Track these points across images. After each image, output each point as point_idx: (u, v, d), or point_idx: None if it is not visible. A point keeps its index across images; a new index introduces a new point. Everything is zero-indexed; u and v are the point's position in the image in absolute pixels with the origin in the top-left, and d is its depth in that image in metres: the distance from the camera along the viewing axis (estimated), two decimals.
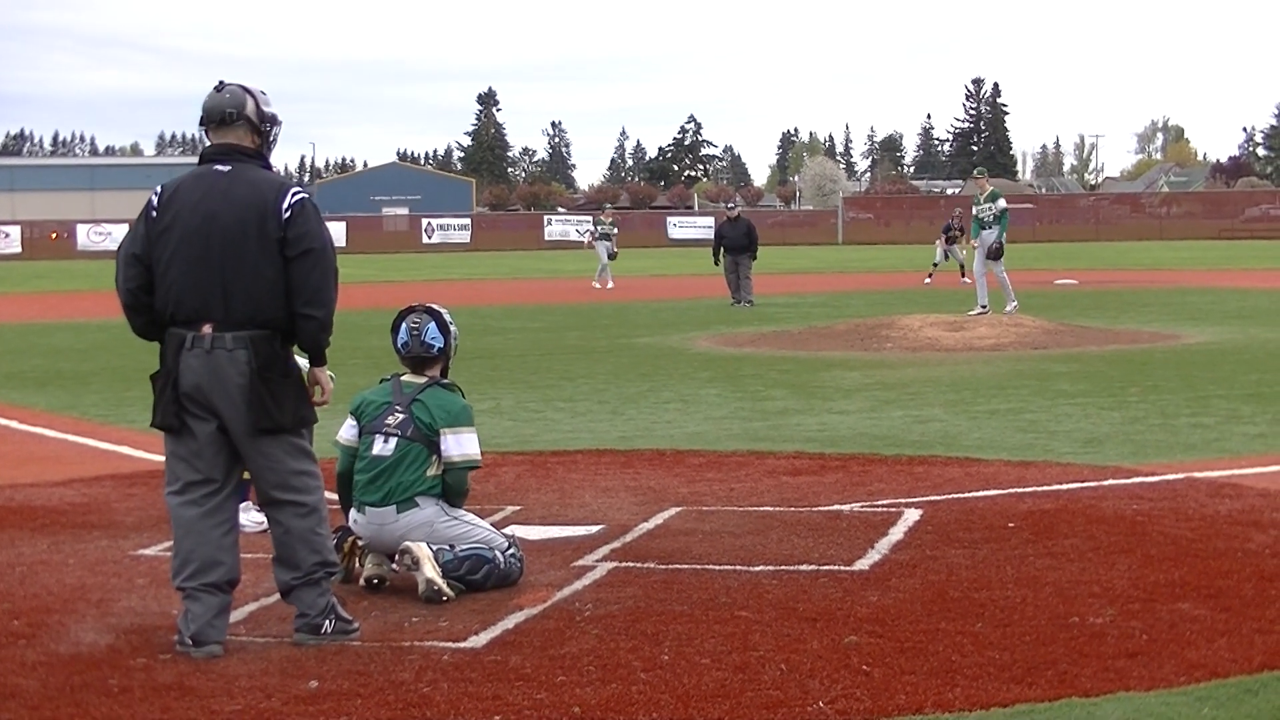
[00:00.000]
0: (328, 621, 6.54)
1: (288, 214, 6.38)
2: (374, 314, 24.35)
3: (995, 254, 24.79)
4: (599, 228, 41.61)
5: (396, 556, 7.34)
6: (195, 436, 6.45)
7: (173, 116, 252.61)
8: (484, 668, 6.11)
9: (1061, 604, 6.89)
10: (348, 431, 7.79)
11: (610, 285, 39.07)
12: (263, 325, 6.38)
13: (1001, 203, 25.09)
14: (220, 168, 6.50)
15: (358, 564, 7.60)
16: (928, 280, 38.46)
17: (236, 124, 6.55)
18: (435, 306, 7.92)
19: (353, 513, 7.65)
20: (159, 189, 6.58)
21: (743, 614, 6.82)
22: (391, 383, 7.80)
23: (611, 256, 40.38)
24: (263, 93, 6.64)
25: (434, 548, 7.29)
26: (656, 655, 6.22)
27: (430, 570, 7.17)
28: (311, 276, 6.39)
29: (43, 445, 13.18)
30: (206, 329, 6.37)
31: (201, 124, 6.60)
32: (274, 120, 6.64)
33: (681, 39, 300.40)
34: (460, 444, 7.57)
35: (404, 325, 7.82)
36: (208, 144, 6.61)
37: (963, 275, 37.27)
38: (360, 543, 7.59)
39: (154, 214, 6.49)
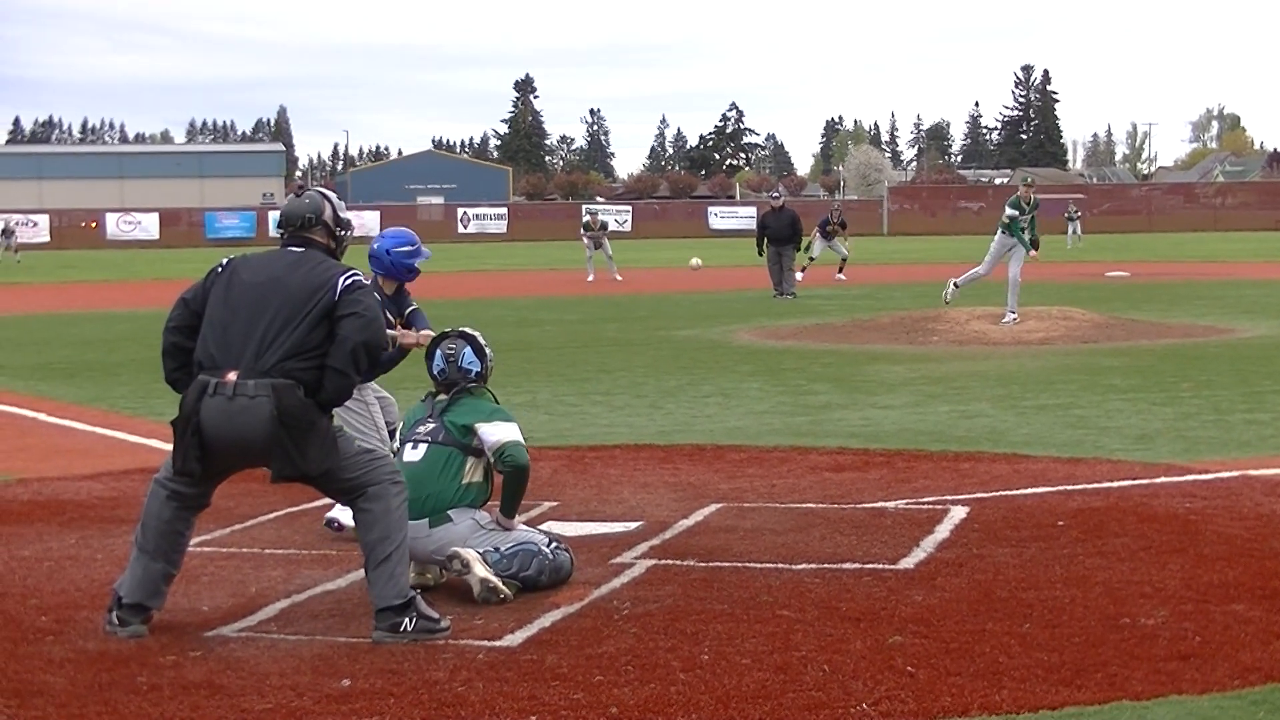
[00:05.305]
0: (407, 619, 6.44)
1: (344, 286, 6.59)
2: None
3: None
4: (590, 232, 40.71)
5: (446, 562, 7.23)
6: (208, 476, 6.67)
7: (203, 102, 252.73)
8: (520, 667, 6.03)
9: (1112, 604, 6.77)
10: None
11: (591, 279, 38.48)
12: (287, 376, 6.43)
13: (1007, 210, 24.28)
14: (294, 249, 6.84)
15: None
16: (799, 275, 37.67)
17: (315, 228, 6.90)
18: (469, 330, 7.89)
19: None
20: (233, 256, 6.93)
21: (784, 613, 6.72)
22: (426, 400, 7.78)
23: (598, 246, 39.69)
24: (339, 198, 7.09)
25: (480, 550, 7.20)
26: (696, 655, 6.13)
27: (482, 570, 7.08)
28: (353, 337, 6.50)
29: (71, 438, 13.14)
30: (230, 376, 6.44)
31: (280, 226, 6.93)
32: (348, 225, 7.04)
33: (723, 25, 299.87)
34: (498, 430, 7.50)
35: (438, 352, 7.79)
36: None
37: (839, 271, 36.82)
38: None
39: (219, 270, 6.79)
